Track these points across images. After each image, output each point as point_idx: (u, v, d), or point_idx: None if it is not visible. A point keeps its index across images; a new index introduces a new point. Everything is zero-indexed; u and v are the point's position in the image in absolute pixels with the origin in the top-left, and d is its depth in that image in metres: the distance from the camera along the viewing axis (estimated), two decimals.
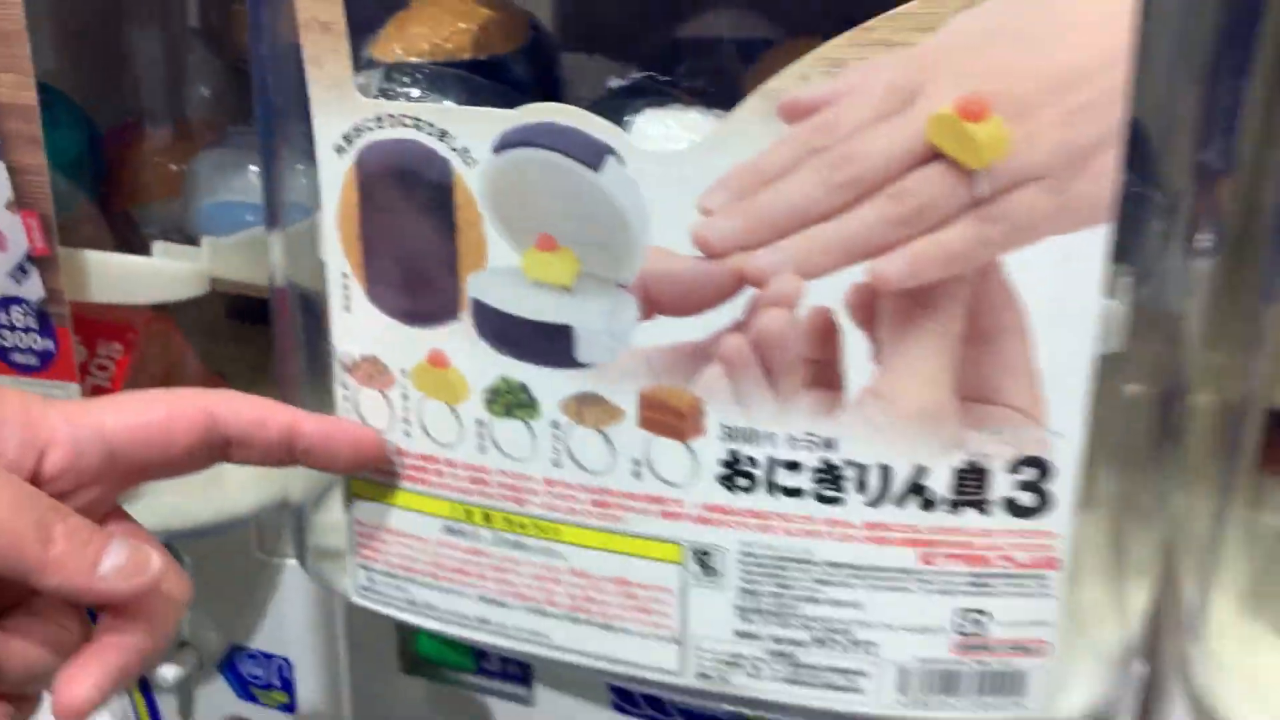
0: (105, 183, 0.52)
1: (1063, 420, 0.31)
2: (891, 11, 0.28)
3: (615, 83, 0.38)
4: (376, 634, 0.50)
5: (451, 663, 0.49)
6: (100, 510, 0.33)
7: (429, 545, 0.38)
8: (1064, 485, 0.31)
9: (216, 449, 0.34)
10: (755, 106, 0.30)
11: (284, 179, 0.40)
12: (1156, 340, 0.36)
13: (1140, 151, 0.36)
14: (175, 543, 0.41)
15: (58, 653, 0.31)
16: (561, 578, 0.37)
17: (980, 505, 0.32)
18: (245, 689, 0.55)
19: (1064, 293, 0.30)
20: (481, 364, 0.35)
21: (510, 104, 0.33)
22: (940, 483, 0.32)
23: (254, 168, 0.50)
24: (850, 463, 0.32)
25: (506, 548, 0.37)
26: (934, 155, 0.29)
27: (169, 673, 0.53)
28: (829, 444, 0.32)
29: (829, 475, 0.32)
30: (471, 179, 0.33)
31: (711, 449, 0.33)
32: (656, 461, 0.34)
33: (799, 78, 0.29)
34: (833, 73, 0.29)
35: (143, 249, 0.47)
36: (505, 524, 0.37)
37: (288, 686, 0.54)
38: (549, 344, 0.34)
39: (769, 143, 0.30)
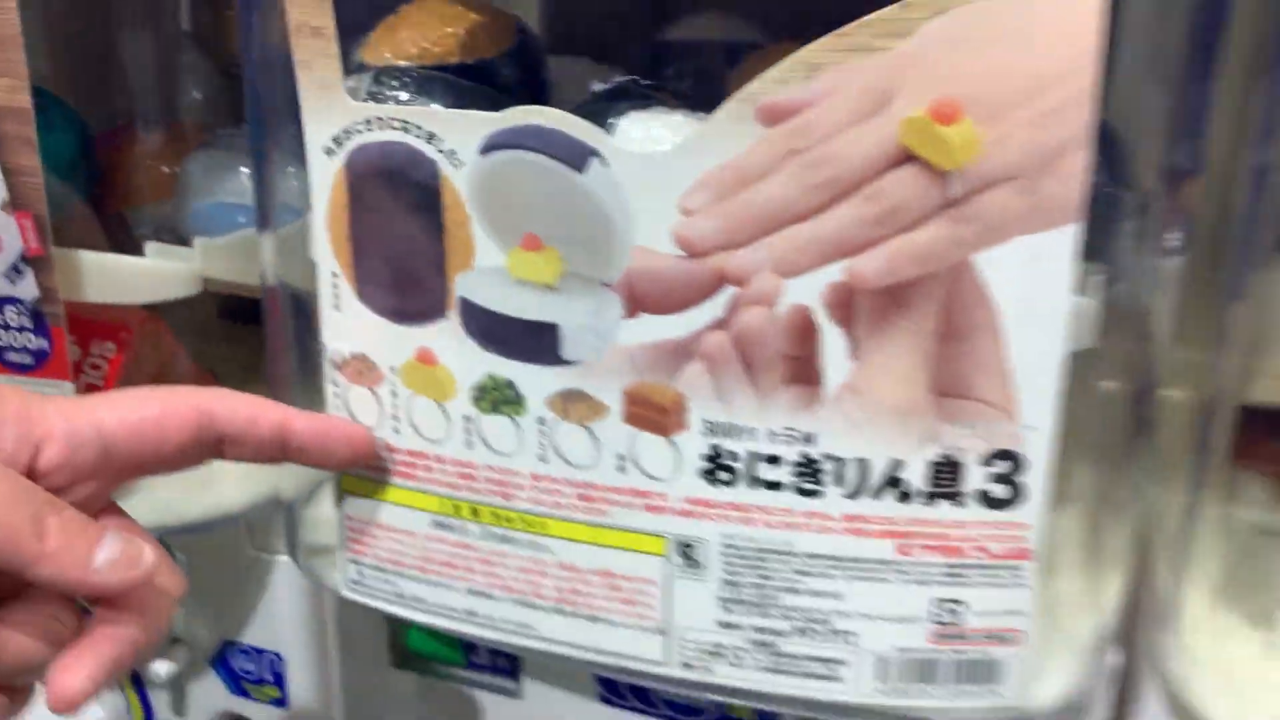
0: (98, 185, 0.53)
1: (1034, 414, 0.31)
2: (866, 17, 0.29)
3: (599, 86, 0.39)
4: (367, 629, 0.50)
5: (441, 657, 0.50)
6: (95, 505, 0.33)
7: (418, 540, 0.39)
8: (1036, 478, 0.32)
9: (210, 446, 0.35)
10: (735, 109, 0.31)
11: (275, 181, 0.41)
12: (1129, 337, 0.37)
13: (1112, 153, 0.37)
14: (168, 539, 0.41)
15: (51, 645, 0.31)
16: (548, 571, 0.37)
17: (955, 497, 0.33)
18: (237, 684, 0.55)
19: (1035, 291, 0.30)
20: (469, 361, 0.36)
21: (497, 107, 0.33)
22: (916, 476, 0.33)
23: (245, 169, 0.50)
24: (829, 456, 0.33)
25: (494, 542, 0.38)
26: (908, 157, 0.30)
27: (162, 668, 0.54)
28: (808, 438, 0.33)
29: (808, 469, 0.33)
30: (459, 180, 0.34)
31: (694, 444, 0.34)
32: (640, 456, 0.35)
33: (777, 81, 0.30)
34: (810, 77, 0.30)
35: (136, 250, 0.47)
36: (493, 518, 0.38)
37: (279, 681, 0.54)
38: (535, 342, 0.35)
39: (748, 145, 0.31)
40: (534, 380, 0.35)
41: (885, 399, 0.32)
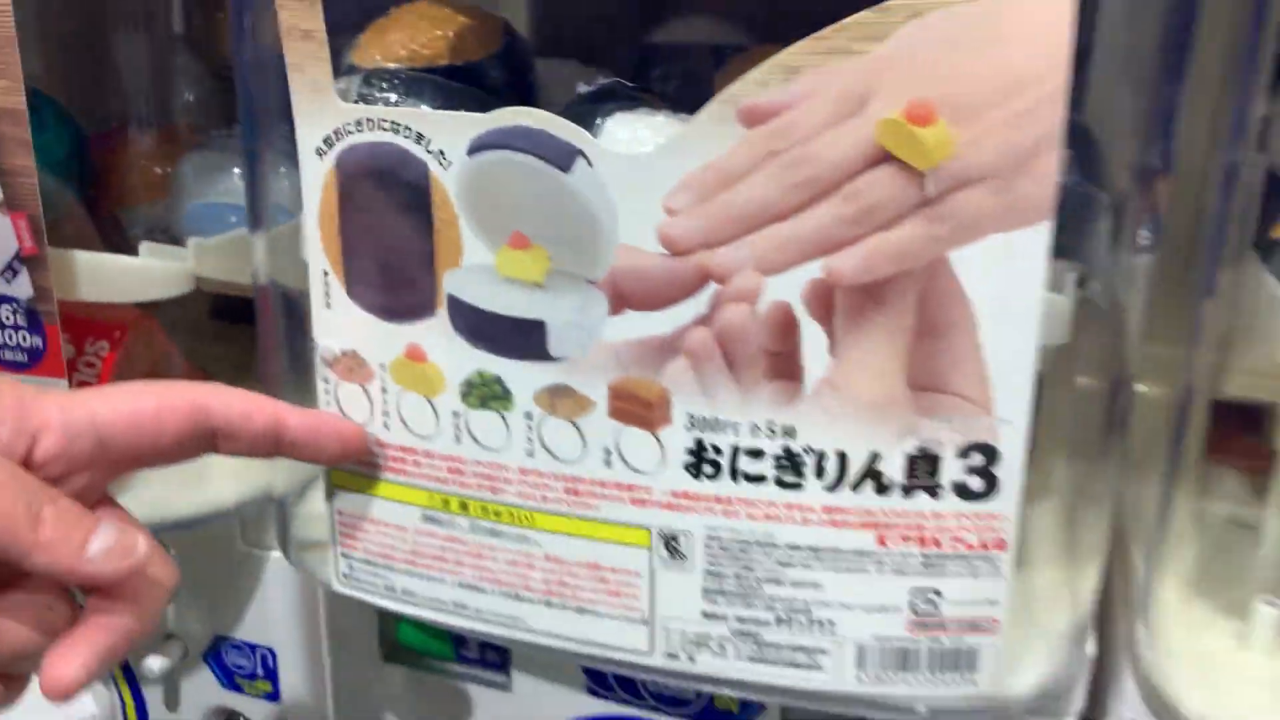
0: (92, 186, 0.54)
1: (1009, 408, 0.32)
2: (843, 21, 0.30)
3: (584, 87, 0.40)
4: (358, 623, 0.51)
5: (431, 651, 0.50)
6: (91, 497, 0.34)
7: (408, 534, 0.40)
8: (1010, 470, 0.33)
9: (204, 440, 0.35)
10: (716, 111, 0.31)
11: (267, 181, 0.42)
12: (1103, 334, 0.38)
13: (1087, 153, 0.38)
14: (161, 535, 0.42)
15: (46, 634, 0.32)
16: (536, 563, 0.38)
17: (932, 489, 0.33)
18: (230, 679, 0.56)
19: (1009, 287, 0.31)
20: (458, 358, 0.37)
21: (485, 108, 0.34)
22: (894, 468, 0.33)
23: (237, 170, 0.51)
24: (809, 450, 0.34)
25: (483, 535, 0.39)
26: (884, 157, 0.30)
27: (155, 664, 0.54)
28: (789, 432, 0.34)
29: (789, 462, 0.34)
30: (447, 180, 0.34)
31: (678, 438, 0.35)
32: (626, 450, 0.36)
33: (757, 84, 0.31)
34: (789, 79, 0.31)
35: (129, 250, 0.48)
36: (481, 512, 0.38)
37: (272, 676, 0.55)
38: (522, 338, 0.35)
39: (729, 146, 0.31)
40: (521, 376, 0.36)
41: (864, 393, 0.33)
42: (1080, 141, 0.38)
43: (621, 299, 0.34)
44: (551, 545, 0.38)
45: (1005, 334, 0.32)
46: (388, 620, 0.51)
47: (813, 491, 0.34)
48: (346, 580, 0.42)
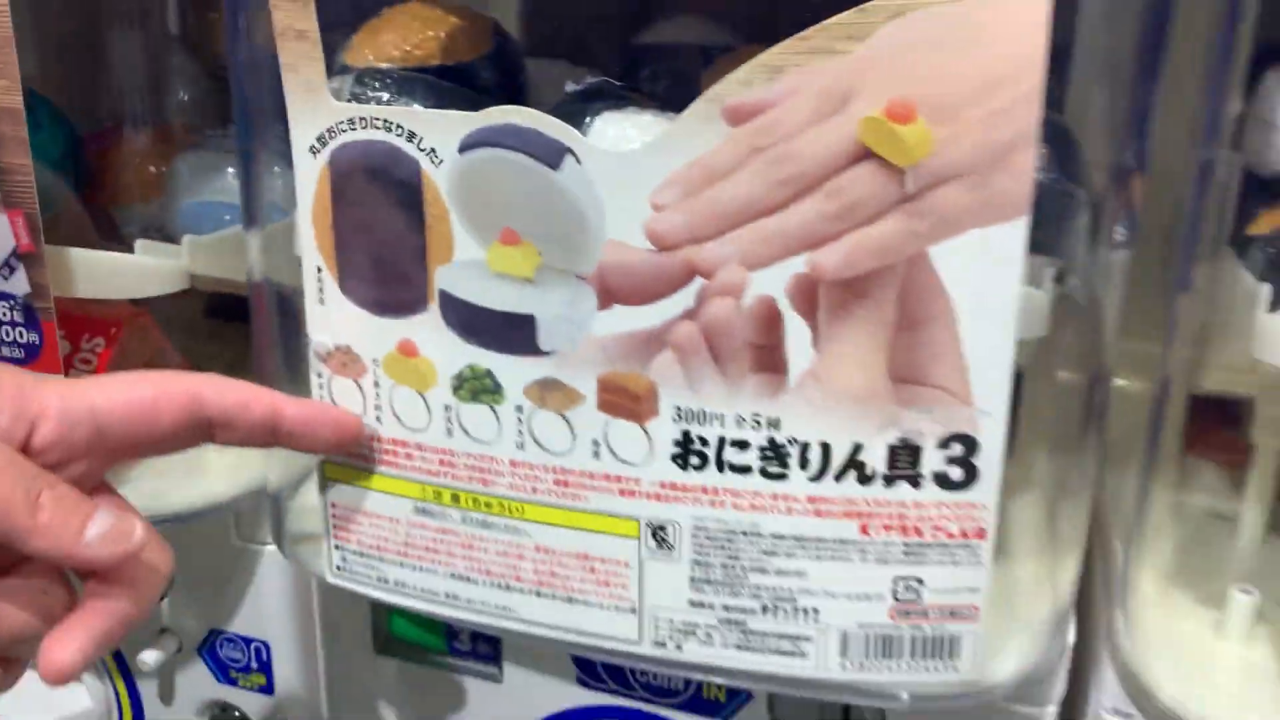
0: (87, 185, 0.54)
1: (988, 399, 0.33)
2: (825, 21, 0.30)
3: (571, 86, 0.40)
4: (351, 616, 0.52)
5: (424, 643, 0.51)
6: (88, 484, 0.34)
7: (400, 526, 0.40)
8: (990, 460, 0.34)
9: (201, 429, 0.36)
10: (702, 110, 0.32)
11: (261, 179, 0.42)
12: (1081, 328, 0.38)
13: (1066, 152, 0.39)
14: (156, 529, 0.42)
15: (43, 618, 0.32)
16: (526, 554, 0.39)
17: (913, 479, 0.34)
18: (224, 672, 0.57)
19: (987, 281, 0.32)
20: (449, 352, 0.37)
21: (476, 108, 0.34)
22: (876, 458, 0.34)
23: (231, 169, 0.52)
24: (793, 441, 0.34)
25: (474, 526, 0.39)
26: (866, 155, 0.31)
27: (150, 657, 0.54)
28: (774, 423, 0.34)
29: (774, 453, 0.35)
30: (438, 177, 0.35)
31: (665, 430, 0.35)
32: (614, 442, 0.36)
33: (741, 83, 0.32)
34: (773, 78, 0.31)
35: (124, 249, 0.48)
36: (472, 504, 0.39)
37: (266, 669, 0.56)
38: (513, 333, 0.36)
39: (715, 143, 0.32)
40: (512, 370, 0.37)
41: (846, 385, 0.33)
42: (1059, 140, 0.38)
43: (610, 294, 0.35)
44: (541, 536, 0.38)
45: (984, 327, 0.32)
46: (380, 613, 0.51)
47: (797, 482, 0.35)
48: (340, 572, 0.43)
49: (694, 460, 0.36)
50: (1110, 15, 0.36)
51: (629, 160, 0.33)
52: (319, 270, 0.38)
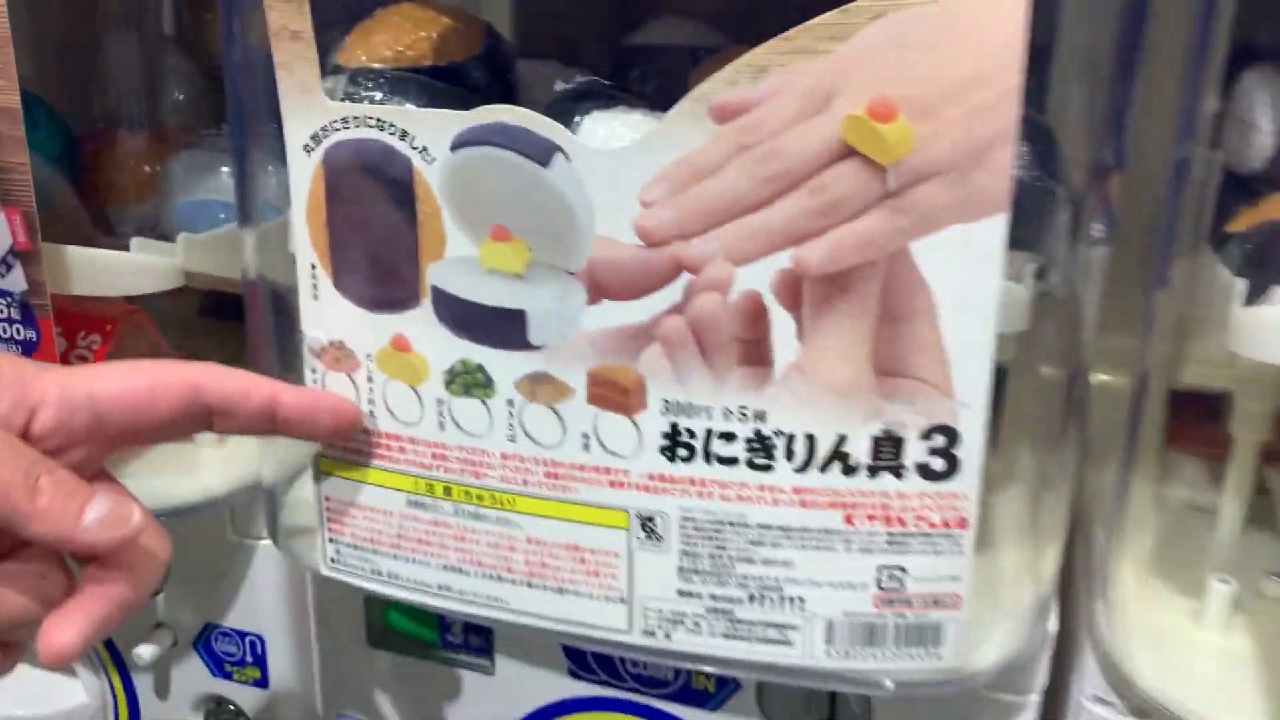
0: (82, 185, 0.55)
1: (968, 391, 0.34)
2: (808, 22, 0.31)
3: (561, 86, 0.41)
4: (345, 610, 0.52)
5: (417, 636, 0.51)
6: (87, 471, 0.34)
7: (393, 518, 0.41)
8: (971, 451, 0.34)
9: (199, 417, 0.36)
10: (688, 108, 0.33)
11: (255, 178, 0.43)
12: (1061, 323, 0.39)
13: (1047, 151, 0.39)
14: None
15: (43, 603, 0.33)
16: (518, 546, 0.40)
17: (896, 470, 0.35)
18: (219, 666, 0.57)
19: (967, 276, 0.32)
20: (441, 347, 0.38)
21: (468, 107, 0.35)
22: (860, 450, 0.35)
23: (225, 168, 0.52)
24: (779, 433, 0.35)
25: (466, 519, 0.40)
26: (849, 152, 0.32)
27: (145, 652, 0.55)
28: (760, 416, 0.35)
29: (760, 444, 0.35)
30: (430, 175, 0.36)
31: (654, 422, 0.36)
32: (604, 435, 0.37)
33: (727, 82, 0.32)
34: (757, 78, 0.32)
35: (120, 248, 0.49)
36: (464, 496, 0.40)
37: (260, 663, 0.56)
38: (504, 327, 0.37)
39: (702, 141, 0.33)
40: (503, 364, 0.37)
41: (831, 378, 0.34)
42: (1040, 138, 0.39)
43: (599, 289, 0.35)
44: (532, 528, 0.39)
45: (964, 321, 0.33)
46: (374, 606, 0.52)
47: (783, 473, 0.36)
48: (334, 565, 0.43)
49: (682, 452, 0.36)
50: (1089, 15, 0.37)
51: (618, 158, 0.34)
52: (313, 267, 0.39)
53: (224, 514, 0.53)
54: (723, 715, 0.47)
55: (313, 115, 0.37)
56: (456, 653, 0.51)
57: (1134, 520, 0.44)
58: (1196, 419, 0.48)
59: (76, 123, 0.55)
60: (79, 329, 0.50)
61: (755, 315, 0.34)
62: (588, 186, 0.34)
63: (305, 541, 0.44)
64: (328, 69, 0.42)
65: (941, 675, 0.38)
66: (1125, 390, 0.46)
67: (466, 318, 0.37)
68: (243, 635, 0.56)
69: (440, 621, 0.51)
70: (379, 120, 0.36)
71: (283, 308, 0.42)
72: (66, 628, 0.32)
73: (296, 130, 0.37)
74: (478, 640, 0.50)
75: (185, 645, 0.57)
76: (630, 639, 0.39)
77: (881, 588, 0.36)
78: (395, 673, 0.53)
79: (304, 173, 0.38)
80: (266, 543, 0.53)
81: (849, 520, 0.36)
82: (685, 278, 0.34)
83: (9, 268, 0.44)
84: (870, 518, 0.35)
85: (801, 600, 0.37)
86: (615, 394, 0.36)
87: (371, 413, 0.40)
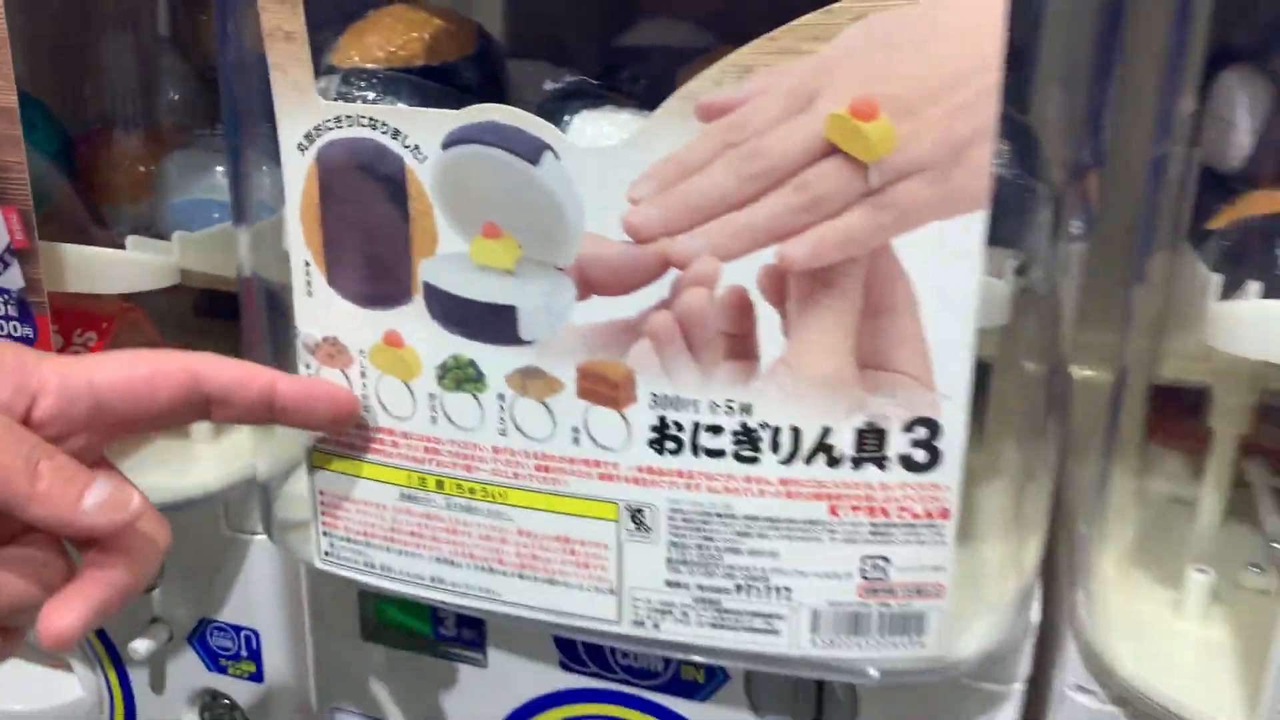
0: (78, 185, 0.55)
1: (949, 384, 0.34)
2: (792, 23, 0.32)
3: (551, 85, 0.42)
4: (339, 604, 0.53)
5: (410, 629, 0.52)
6: (87, 459, 0.35)
7: (387, 511, 0.42)
8: (952, 442, 0.35)
9: (198, 406, 0.37)
10: (675, 107, 0.33)
11: (250, 178, 0.43)
12: (1042, 318, 0.40)
13: (1028, 149, 0.40)
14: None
15: (43, 587, 0.33)
16: (509, 538, 0.40)
17: (879, 461, 0.35)
18: (214, 661, 0.58)
19: (947, 271, 0.33)
20: (433, 343, 0.38)
21: (459, 106, 0.36)
22: (844, 442, 0.35)
23: (220, 168, 0.53)
24: (765, 425, 0.36)
25: (458, 511, 0.40)
26: (832, 150, 0.32)
27: (140, 646, 0.55)
28: (746, 409, 0.36)
29: (746, 437, 0.36)
30: (422, 173, 0.36)
31: (642, 416, 0.37)
32: (593, 428, 0.38)
33: (713, 81, 0.33)
34: (742, 77, 0.33)
35: (115, 247, 0.49)
36: (456, 489, 0.40)
37: (255, 657, 0.57)
38: (495, 323, 0.37)
39: (688, 139, 0.33)
40: (494, 359, 0.38)
41: (815, 372, 0.35)
42: (1021, 137, 0.40)
43: (588, 285, 0.36)
44: (523, 520, 0.40)
45: (945, 315, 0.33)
46: (367, 600, 0.52)
47: (769, 465, 0.36)
48: (328, 558, 0.44)
49: (670, 445, 0.37)
50: (1068, 16, 0.38)
51: (606, 156, 0.35)
52: (307, 264, 0.40)
53: (219, 509, 0.54)
54: (711, 706, 0.47)
55: (306, 115, 0.37)
56: (450, 646, 0.51)
57: (1115, 513, 0.44)
58: (1177, 413, 0.49)
59: (72, 124, 0.56)
60: (75, 326, 0.50)
61: (741, 310, 0.35)
62: (577, 184, 0.35)
63: (300, 535, 0.45)
64: (321, 69, 0.43)
65: (925, 664, 0.38)
66: (1107, 385, 0.46)
67: (458, 313, 0.38)
68: (238, 630, 0.56)
69: (433, 615, 0.51)
70: (372, 119, 0.36)
71: (277, 305, 0.42)
72: (66, 612, 0.32)
73: (290, 130, 0.38)
74: (470, 633, 0.51)
75: (180, 640, 0.57)
76: (620, 629, 0.40)
77: (865, 577, 0.37)
78: (389, 666, 0.53)
79: (298, 171, 0.38)
80: (261, 538, 0.54)
81: (833, 511, 0.36)
82: (673, 273, 0.35)
83: (6, 265, 0.45)
84: (854, 508, 0.36)
85: (787, 590, 0.38)
86: (604, 388, 0.37)
87: (365, 407, 0.41)
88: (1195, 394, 0.45)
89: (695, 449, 0.37)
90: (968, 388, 0.34)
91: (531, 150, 0.35)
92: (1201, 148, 0.43)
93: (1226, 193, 0.43)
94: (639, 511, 0.38)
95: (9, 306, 0.46)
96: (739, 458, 0.36)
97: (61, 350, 0.50)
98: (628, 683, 0.48)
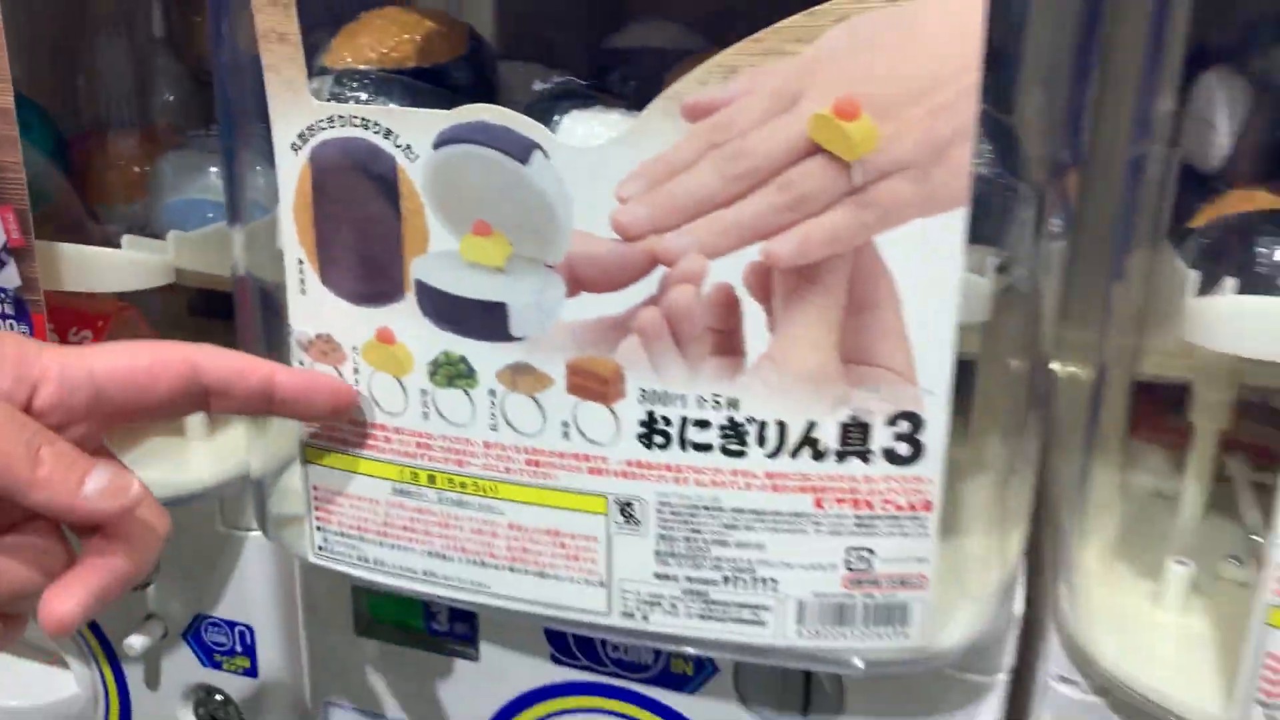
0: (73, 184, 0.56)
1: (931, 379, 0.35)
2: (776, 25, 0.33)
3: (539, 86, 0.42)
4: (332, 599, 0.53)
5: (403, 623, 0.53)
6: (87, 448, 0.35)
7: (379, 506, 0.42)
8: (934, 436, 0.36)
9: (197, 396, 0.37)
10: (662, 107, 0.34)
11: (244, 177, 0.44)
12: (1024, 315, 0.41)
13: (1010, 149, 0.41)
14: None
15: (44, 574, 0.33)
16: (500, 531, 0.41)
17: (863, 455, 0.36)
18: (209, 656, 0.58)
19: (929, 267, 0.34)
20: (425, 339, 0.39)
21: (450, 107, 0.36)
22: (829, 435, 0.36)
23: (214, 168, 0.53)
24: (751, 420, 0.36)
25: (450, 506, 0.41)
26: (815, 150, 0.33)
27: (135, 642, 0.56)
28: (733, 404, 0.36)
29: (733, 431, 0.37)
30: (414, 172, 0.37)
31: (631, 411, 0.37)
32: (583, 423, 0.38)
33: (699, 82, 0.34)
34: (728, 78, 0.33)
35: (109, 246, 0.50)
36: (448, 484, 0.41)
37: (250, 652, 0.57)
38: (485, 320, 0.38)
39: (675, 139, 0.34)
40: (485, 355, 0.38)
41: (801, 367, 0.35)
42: (1002, 137, 0.41)
43: (577, 282, 0.36)
44: (514, 514, 0.40)
45: (927, 311, 0.34)
46: (361, 595, 0.53)
47: (755, 458, 0.37)
48: (321, 552, 0.44)
49: (658, 439, 0.38)
50: (1047, 18, 0.39)
51: (595, 155, 0.35)
52: (300, 262, 0.40)
53: (213, 506, 0.54)
54: (701, 698, 0.48)
55: (299, 115, 0.38)
56: (442, 640, 0.52)
57: (1097, 507, 0.45)
58: (1158, 409, 0.50)
59: (67, 125, 0.56)
60: (71, 324, 0.51)
61: (727, 306, 0.35)
62: (566, 183, 0.35)
63: (293, 530, 0.45)
64: (314, 70, 0.43)
65: (909, 654, 0.39)
66: (1089, 381, 0.47)
67: (449, 310, 0.38)
68: (232, 625, 0.57)
69: (426, 609, 0.52)
70: (364, 120, 0.37)
71: (271, 303, 0.43)
72: (67, 598, 0.33)
73: (284, 130, 0.38)
74: (463, 627, 0.51)
75: (175, 636, 0.58)
76: (610, 621, 0.40)
77: (850, 569, 0.38)
78: (382, 660, 0.54)
79: (291, 171, 0.39)
80: (255, 534, 0.54)
81: (819, 504, 0.37)
82: (660, 271, 0.35)
83: (2, 264, 0.45)
84: (839, 501, 0.37)
85: (774, 581, 0.38)
86: (594, 383, 0.37)
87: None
88: (1176, 390, 0.46)
89: (683, 443, 0.37)
90: (949, 383, 0.35)
91: (521, 150, 0.35)
92: (1181, 147, 0.44)
93: (1207, 192, 0.44)
94: (628, 505, 0.39)
95: (5, 305, 0.46)
96: (726, 451, 0.37)
97: None
98: (618, 676, 0.49)
